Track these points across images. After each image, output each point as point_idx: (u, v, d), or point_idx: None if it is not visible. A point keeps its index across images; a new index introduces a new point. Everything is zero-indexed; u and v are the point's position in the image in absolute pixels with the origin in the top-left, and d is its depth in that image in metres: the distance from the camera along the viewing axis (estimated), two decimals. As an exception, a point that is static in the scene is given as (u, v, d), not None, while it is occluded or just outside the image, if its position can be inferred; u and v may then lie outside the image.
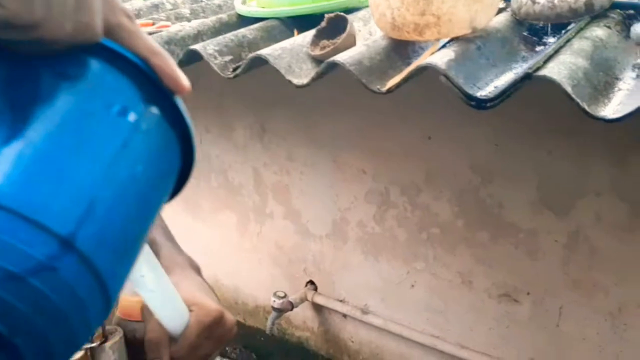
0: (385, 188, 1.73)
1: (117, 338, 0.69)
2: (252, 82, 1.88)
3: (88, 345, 0.66)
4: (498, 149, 1.48)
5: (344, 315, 2.01)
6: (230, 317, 0.66)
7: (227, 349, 2.42)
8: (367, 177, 1.76)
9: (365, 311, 1.93)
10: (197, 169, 2.02)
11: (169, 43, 1.53)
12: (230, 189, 2.15)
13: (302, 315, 2.14)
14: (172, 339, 0.61)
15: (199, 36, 1.59)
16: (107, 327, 0.71)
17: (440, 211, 1.63)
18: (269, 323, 2.03)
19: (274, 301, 1.97)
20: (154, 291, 0.55)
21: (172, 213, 2.08)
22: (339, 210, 1.87)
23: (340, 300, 1.99)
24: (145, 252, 0.52)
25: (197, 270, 0.73)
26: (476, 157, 1.51)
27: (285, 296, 1.98)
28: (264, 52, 1.29)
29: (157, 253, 0.67)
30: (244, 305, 2.31)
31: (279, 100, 1.86)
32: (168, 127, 0.40)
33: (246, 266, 2.23)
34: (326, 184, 1.87)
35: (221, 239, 2.27)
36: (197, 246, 2.39)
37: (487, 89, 0.95)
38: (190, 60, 1.47)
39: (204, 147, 2.17)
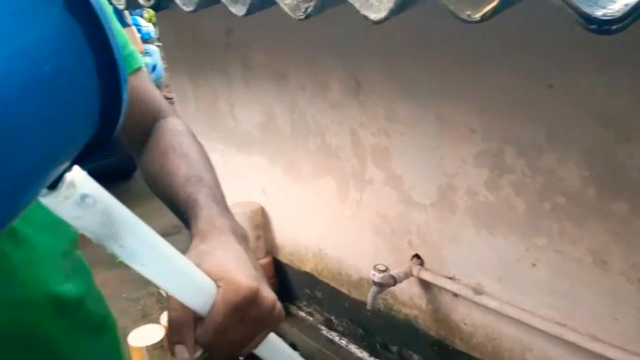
0: (498, 149, 1.44)
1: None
2: (339, 28, 1.67)
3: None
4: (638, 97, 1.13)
5: (455, 295, 1.76)
6: (268, 296, 0.52)
7: (332, 319, 2.30)
8: (476, 136, 1.48)
9: (478, 291, 1.67)
10: (295, 130, 1.86)
11: (240, -10, 1.36)
12: (328, 152, 1.98)
13: (409, 292, 1.93)
14: (199, 319, 0.51)
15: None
16: None
17: (566, 176, 1.31)
18: (369, 298, 1.85)
19: (374, 275, 1.78)
20: (144, 264, 0.45)
21: (272, 177, 1.97)
22: (445, 176, 1.61)
23: (450, 278, 1.75)
24: (134, 225, 0.44)
25: (241, 237, 0.59)
26: (610, 109, 1.17)
27: (386, 270, 1.78)
28: (336, -13, 1.07)
29: (195, 214, 0.58)
30: (348, 277, 2.16)
31: (371, 49, 1.63)
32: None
33: (348, 236, 2.06)
34: (430, 145, 1.61)
35: (322, 206, 2.12)
36: (299, 213, 2.28)
37: (613, 7, 0.66)
38: (262, 4, 1.30)
39: (300, 107, 2.01)
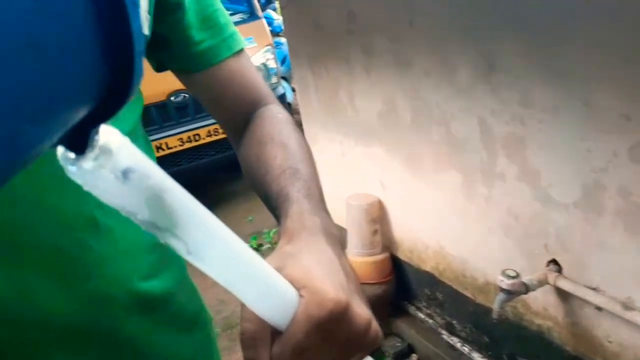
0: (662, 140, 1.21)
1: None
2: (471, 5, 1.50)
3: None
4: None
5: (598, 308, 1.53)
6: (361, 313, 0.42)
7: (454, 324, 2.14)
8: (631, 125, 1.25)
9: (628, 306, 1.43)
10: (417, 119, 1.72)
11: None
12: (453, 143, 1.82)
13: (543, 301, 1.72)
14: (277, 333, 0.41)
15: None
16: None
17: None
18: (495, 305, 1.67)
19: (502, 281, 1.60)
20: (209, 263, 0.35)
21: (391, 169, 1.86)
22: (592, 172, 1.39)
23: (593, 289, 1.52)
24: (195, 211, 0.34)
25: (335, 239, 0.50)
26: None
27: (517, 276, 1.59)
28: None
29: (285, 211, 0.50)
30: (473, 280, 1.98)
31: (508, 24, 1.45)
32: None
33: (474, 235, 1.88)
34: (574, 135, 1.40)
35: (445, 202, 1.96)
36: (419, 208, 2.14)
37: None
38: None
39: (423, 94, 1.87)
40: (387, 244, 2.39)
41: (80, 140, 0.27)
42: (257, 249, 2.96)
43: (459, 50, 1.65)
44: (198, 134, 4.01)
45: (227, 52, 0.69)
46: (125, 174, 0.29)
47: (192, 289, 0.74)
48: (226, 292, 0.39)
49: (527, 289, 1.60)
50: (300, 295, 0.40)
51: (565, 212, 1.51)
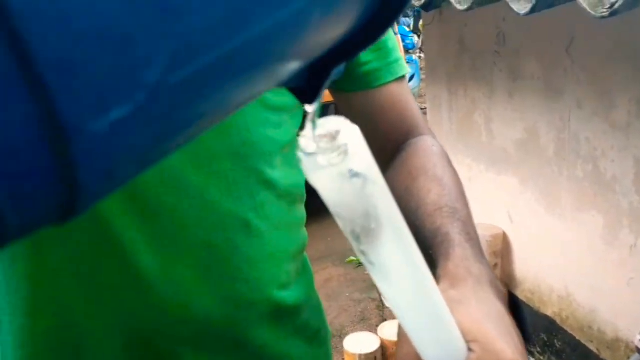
0: None
1: None
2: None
3: None
4: None
5: None
6: None
7: (571, 379, 1.97)
8: None
9: None
10: (561, 152, 1.62)
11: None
12: (600, 182, 1.67)
13: (685, 371, 1.53)
14: None
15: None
16: None
17: None
18: (629, 367, 1.51)
19: (641, 341, 1.44)
20: (393, 286, 0.33)
21: (522, 202, 1.76)
22: None
23: None
24: (401, 232, 0.32)
25: (500, 293, 0.45)
26: None
27: (659, 338, 1.43)
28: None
29: (446, 252, 0.47)
30: (601, 334, 1.81)
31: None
32: None
33: (609, 285, 1.72)
34: None
35: (580, 244, 1.81)
36: (548, 247, 2.00)
37: None
38: (555, 0, 1.12)
39: (572, 127, 1.74)
40: (506, 281, 2.26)
41: (315, 84, 0.26)
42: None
43: (621, 83, 1.52)
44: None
45: (389, 77, 0.67)
46: (352, 176, 0.28)
47: (318, 305, 0.73)
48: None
49: (668, 354, 1.43)
50: (470, 349, 0.37)
51: None
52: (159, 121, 0.16)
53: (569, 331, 1.95)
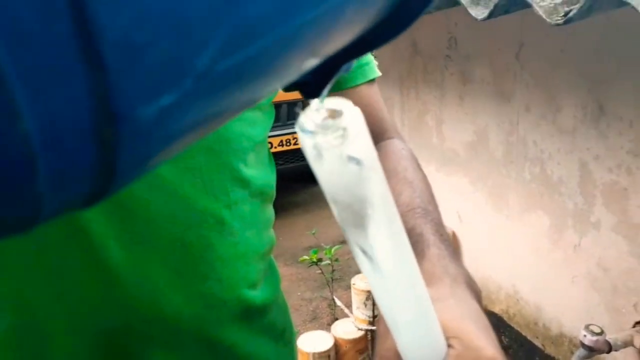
0: None
1: None
2: (589, 41, 1.44)
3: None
4: None
5: (689, 383, 1.42)
6: None
7: (517, 374, 2.04)
8: None
9: None
10: (509, 154, 1.68)
11: (487, -11, 1.23)
12: (546, 184, 1.74)
13: (623, 363, 1.61)
14: None
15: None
16: None
17: None
18: (573, 361, 1.57)
19: (585, 336, 1.50)
20: (391, 283, 0.33)
21: (472, 202, 1.80)
22: None
23: (687, 360, 1.41)
24: (394, 221, 0.31)
25: (476, 293, 0.46)
26: None
27: (601, 333, 1.49)
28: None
29: (421, 252, 0.47)
30: (545, 330, 1.88)
31: (629, 68, 1.38)
32: None
33: (555, 283, 1.79)
34: (688, 193, 1.31)
35: (527, 244, 1.88)
36: (496, 247, 2.06)
37: None
38: (511, 5, 1.15)
39: (520, 131, 1.81)
40: (455, 278, 2.32)
41: (319, 79, 0.25)
42: (317, 263, 2.94)
43: (567, 88, 1.58)
44: (270, 142, 4.06)
45: (361, 79, 0.67)
46: (351, 160, 0.27)
47: (283, 305, 0.73)
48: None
49: (610, 348, 1.50)
50: (450, 345, 0.37)
51: (665, 273, 1.42)
52: (197, 109, 0.16)
53: (516, 328, 2.02)
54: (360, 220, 0.30)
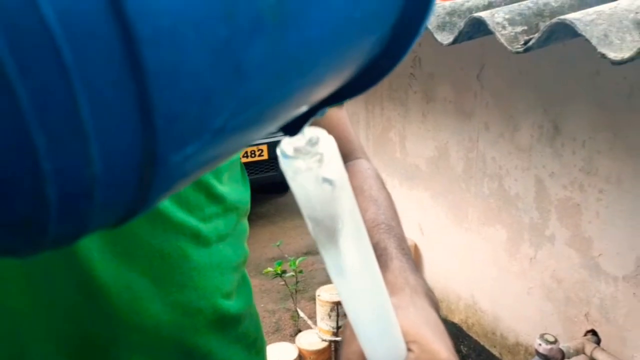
0: None
1: None
2: (547, 65, 1.53)
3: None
4: None
5: (635, 387, 1.50)
6: None
7: (475, 382, 2.11)
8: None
9: (669, 391, 1.41)
10: (469, 170, 1.75)
11: (452, 15, 1.30)
12: (504, 199, 1.82)
13: (575, 371, 1.69)
14: None
15: (489, 7, 1.32)
16: None
17: None
18: (529, 369, 1.65)
19: (540, 345, 1.58)
20: (358, 291, 0.38)
21: (433, 215, 1.86)
22: (649, 248, 1.39)
23: (632, 366, 1.50)
24: (361, 235, 0.37)
25: (434, 303, 0.50)
26: None
27: (555, 341, 1.57)
28: (571, 16, 0.96)
29: (385, 264, 0.51)
30: (503, 339, 1.96)
31: (582, 91, 1.47)
32: None
33: (511, 294, 1.87)
34: (636, 209, 1.40)
35: (485, 256, 1.96)
36: (456, 259, 2.13)
37: None
38: (475, 32, 1.22)
39: (480, 147, 1.89)
40: (416, 289, 2.38)
41: (301, 121, 0.30)
42: (281, 275, 2.96)
43: (525, 108, 1.67)
44: (236, 153, 4.07)
45: None
46: (325, 181, 0.32)
47: (255, 315, 0.76)
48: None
49: (563, 356, 1.58)
50: (409, 349, 0.42)
51: (613, 284, 1.51)
52: (209, 154, 0.21)
53: (474, 337, 2.09)
54: (331, 234, 0.35)
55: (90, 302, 0.55)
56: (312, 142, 0.32)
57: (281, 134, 0.30)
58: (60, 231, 0.20)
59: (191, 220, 0.59)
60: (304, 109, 0.27)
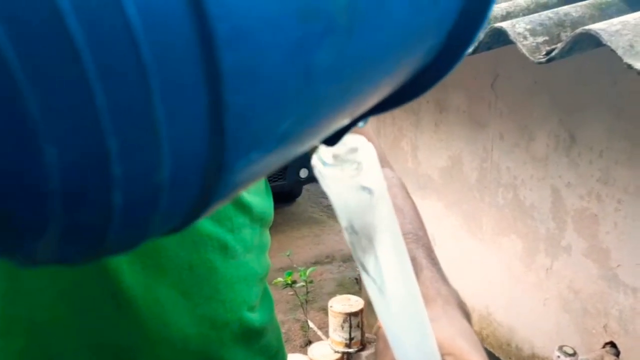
0: None
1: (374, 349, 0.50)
2: (565, 75, 1.52)
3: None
4: None
5: (656, 401, 1.48)
6: None
7: (489, 395, 2.08)
8: None
9: (691, 405, 1.38)
10: (483, 180, 1.73)
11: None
12: (519, 209, 1.81)
13: (593, 384, 1.66)
14: None
15: (507, 18, 1.32)
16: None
17: None
18: (546, 382, 1.62)
19: (559, 357, 1.56)
20: (395, 302, 0.37)
21: (446, 226, 1.84)
22: (670, 259, 1.37)
23: (653, 380, 1.47)
24: (399, 244, 0.36)
25: (466, 313, 0.49)
26: None
27: (574, 354, 1.55)
28: (595, 27, 0.95)
29: (415, 275, 0.49)
30: (518, 350, 1.93)
31: (599, 100, 1.46)
32: None
33: (527, 305, 1.85)
34: (654, 220, 1.39)
35: (500, 267, 1.94)
36: (470, 269, 2.11)
37: None
38: (494, 42, 1.21)
39: (494, 157, 1.87)
40: (429, 300, 2.36)
41: (341, 131, 0.29)
42: (291, 285, 2.95)
43: (540, 118, 1.66)
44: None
45: None
46: (364, 190, 0.31)
47: (277, 328, 0.76)
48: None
49: (581, 368, 1.56)
50: None
51: (632, 295, 1.48)
52: (269, 160, 0.21)
53: (489, 349, 2.06)
54: (369, 243, 0.34)
55: (119, 314, 0.54)
56: (352, 150, 0.32)
57: None
58: (118, 239, 0.19)
59: (219, 232, 0.59)
60: (356, 116, 0.27)
